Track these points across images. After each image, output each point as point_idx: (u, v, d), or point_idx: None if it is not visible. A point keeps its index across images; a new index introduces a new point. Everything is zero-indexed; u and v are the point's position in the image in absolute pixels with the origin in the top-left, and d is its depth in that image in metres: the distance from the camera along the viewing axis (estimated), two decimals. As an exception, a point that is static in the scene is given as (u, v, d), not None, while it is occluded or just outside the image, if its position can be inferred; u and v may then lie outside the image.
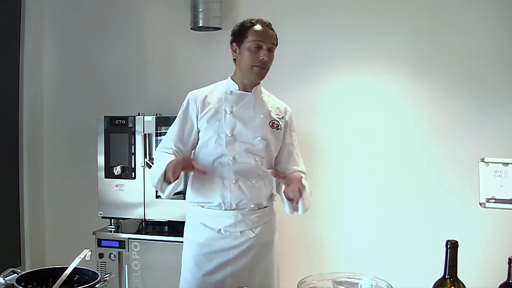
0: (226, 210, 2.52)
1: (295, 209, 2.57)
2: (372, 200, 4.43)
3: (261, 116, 2.58)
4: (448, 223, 4.25)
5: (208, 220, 2.58)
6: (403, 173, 4.37)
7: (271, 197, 2.67)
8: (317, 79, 4.50)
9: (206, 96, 2.61)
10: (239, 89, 2.62)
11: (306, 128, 4.45)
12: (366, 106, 4.41)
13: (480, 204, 4.09)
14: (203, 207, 2.59)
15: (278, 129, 2.62)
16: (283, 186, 2.56)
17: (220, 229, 2.54)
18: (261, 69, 2.53)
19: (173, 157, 2.48)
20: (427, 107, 4.31)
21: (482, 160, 4.05)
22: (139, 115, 4.18)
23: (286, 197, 2.57)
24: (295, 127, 2.76)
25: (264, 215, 2.61)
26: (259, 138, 2.54)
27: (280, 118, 2.64)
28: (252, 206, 2.55)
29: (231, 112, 2.55)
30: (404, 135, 4.36)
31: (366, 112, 4.41)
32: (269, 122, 2.60)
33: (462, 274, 1.54)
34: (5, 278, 1.98)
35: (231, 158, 2.51)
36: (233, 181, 2.51)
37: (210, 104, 2.58)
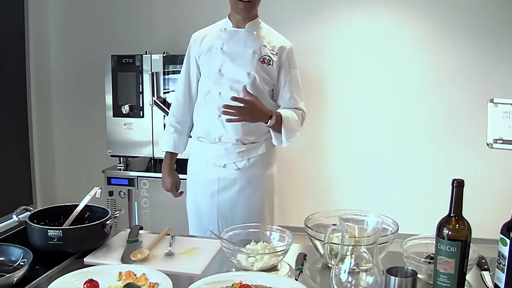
0: (212, 143, 2.61)
1: (279, 142, 2.60)
2: (380, 139, 4.44)
3: (251, 52, 2.57)
4: (455, 163, 4.27)
5: (198, 151, 2.71)
6: (411, 114, 4.37)
7: (263, 134, 2.65)
8: (327, 19, 4.45)
9: (205, 36, 2.67)
10: (233, 26, 2.64)
11: (315, 67, 4.44)
12: (375, 48, 4.37)
13: (487, 144, 4.08)
14: (197, 138, 2.71)
15: (270, 64, 2.59)
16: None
17: (207, 160, 2.65)
18: (245, 3, 2.51)
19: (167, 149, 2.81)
20: (436, 49, 4.27)
21: (491, 100, 4.02)
22: (146, 54, 4.15)
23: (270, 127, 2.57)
24: (297, 64, 2.72)
25: (250, 150, 2.62)
26: (245, 74, 2.54)
27: (274, 54, 2.61)
28: (234, 141, 2.58)
29: (221, 49, 2.59)
30: (413, 76, 4.34)
31: (374, 54, 4.38)
32: (260, 58, 2.58)
33: (467, 213, 1.56)
34: (18, 216, 2.02)
35: (218, 93, 2.56)
36: (218, 116, 2.54)
37: (207, 42, 2.64)
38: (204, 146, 2.66)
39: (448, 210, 1.56)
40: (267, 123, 2.47)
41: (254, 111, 2.41)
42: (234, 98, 2.36)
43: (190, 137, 2.81)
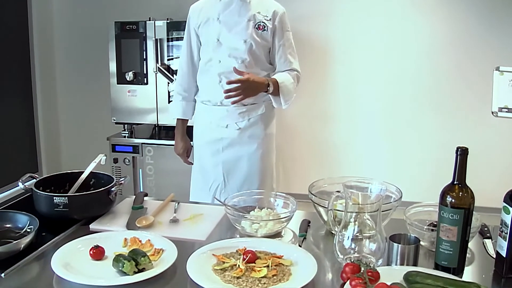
0: (214, 105, 2.77)
1: (278, 104, 2.76)
2: (385, 107, 4.43)
3: (246, 20, 2.68)
4: (459, 131, 4.27)
5: (202, 113, 2.86)
6: (417, 82, 4.35)
7: (260, 95, 2.75)
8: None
9: (202, 8, 2.79)
10: None
11: (321, 35, 4.41)
12: (382, 14, 4.33)
13: (492, 113, 4.08)
14: (201, 102, 2.86)
15: (264, 30, 2.71)
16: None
17: (210, 121, 2.81)
18: None
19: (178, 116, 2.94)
20: (442, 17, 4.23)
21: (497, 69, 4.00)
22: (150, 20, 4.13)
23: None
24: (289, 26, 2.82)
25: (250, 111, 2.77)
26: (242, 42, 2.68)
27: (267, 20, 2.71)
28: (236, 103, 2.67)
29: (218, 19, 2.70)
30: (419, 44, 4.31)
31: (381, 20, 4.34)
32: (255, 25, 2.70)
33: (470, 181, 1.56)
34: (24, 183, 2.03)
35: (218, 61, 2.71)
36: (218, 82, 2.70)
37: (204, 13, 2.76)
38: (208, 109, 2.81)
39: (451, 178, 1.56)
40: (266, 91, 2.65)
41: (252, 86, 2.58)
42: (229, 82, 2.54)
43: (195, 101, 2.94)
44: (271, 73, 2.77)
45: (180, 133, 2.97)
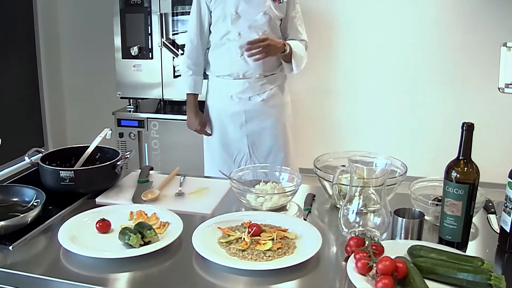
0: (235, 79, 2.79)
1: (290, 70, 2.84)
2: (390, 82, 4.41)
3: None
4: (465, 107, 4.25)
5: (221, 87, 2.87)
6: (423, 57, 4.31)
7: (278, 65, 2.86)
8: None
9: None
10: None
11: (326, 8, 4.37)
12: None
13: (498, 89, 4.06)
14: (217, 76, 2.86)
15: (280, 2, 2.76)
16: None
17: (231, 95, 2.83)
18: None
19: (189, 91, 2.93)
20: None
21: (504, 44, 3.97)
22: (154, -6, 4.10)
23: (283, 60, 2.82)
24: None
25: (270, 81, 2.84)
26: (261, 14, 2.71)
27: None
28: (257, 75, 2.79)
29: None
30: (425, 19, 4.26)
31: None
32: None
33: (475, 156, 1.56)
34: (30, 158, 2.04)
35: (237, 34, 2.72)
36: (239, 55, 2.73)
37: None
38: (227, 83, 2.84)
39: (457, 153, 1.56)
40: (283, 52, 2.72)
41: (273, 45, 2.64)
42: (250, 42, 2.59)
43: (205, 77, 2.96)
44: None
45: (194, 108, 2.96)
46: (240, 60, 2.74)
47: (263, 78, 2.80)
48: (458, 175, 1.54)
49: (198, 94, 2.96)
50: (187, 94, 2.95)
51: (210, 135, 2.98)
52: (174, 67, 4.07)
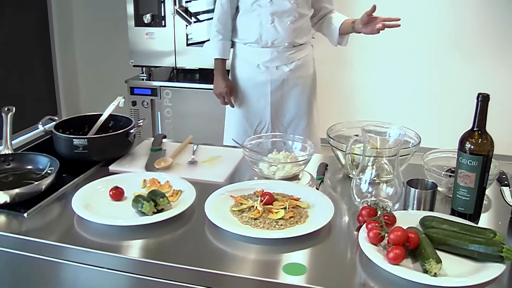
0: (263, 47, 2.75)
1: (340, 42, 2.83)
2: (406, 50, 4.36)
3: None
4: (481, 77, 4.20)
5: (248, 56, 2.83)
6: (438, 25, 4.26)
7: (308, 35, 2.84)
8: None
9: None
10: None
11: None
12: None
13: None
14: (244, 44, 2.81)
15: None
16: (340, 22, 2.77)
17: (258, 64, 2.78)
18: None
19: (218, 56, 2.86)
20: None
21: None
22: (167, -40, 4.06)
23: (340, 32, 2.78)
24: None
25: (299, 52, 2.80)
26: None
27: None
28: (286, 44, 2.73)
29: None
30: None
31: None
32: None
33: (490, 128, 1.54)
34: (44, 126, 2.05)
35: (268, 0, 2.66)
36: (269, 22, 2.68)
37: None
38: (254, 51, 2.78)
39: (471, 124, 1.55)
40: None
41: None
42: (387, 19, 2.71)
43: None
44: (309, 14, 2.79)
45: (222, 73, 2.90)
46: (270, 28, 2.69)
47: (292, 48, 2.76)
48: (472, 147, 1.53)
49: (226, 60, 2.92)
50: (215, 59, 2.90)
51: (233, 106, 2.94)
52: (187, 35, 4.04)
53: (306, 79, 2.88)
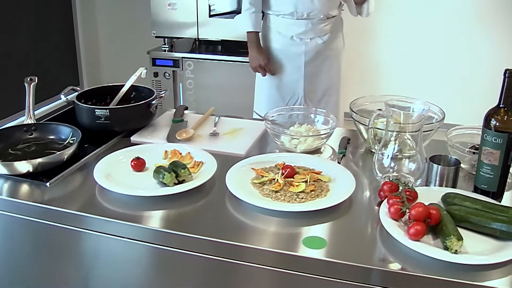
0: (298, 19, 2.75)
1: (360, 12, 2.82)
2: (433, 27, 4.29)
3: None
4: (507, 52, 4.12)
5: (282, 28, 2.83)
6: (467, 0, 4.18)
7: (339, 7, 2.86)
8: None
9: None
10: None
11: None
12: None
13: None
14: (277, 16, 2.81)
15: None
16: None
17: (292, 36, 2.80)
18: None
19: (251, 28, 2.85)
20: None
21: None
22: None
23: (354, 1, 2.78)
24: None
25: (332, 24, 2.82)
26: None
27: None
28: (321, 16, 2.75)
29: None
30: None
31: None
32: None
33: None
34: (66, 96, 2.06)
35: None
36: None
37: None
38: (289, 23, 2.79)
39: (497, 101, 1.52)
40: None
41: None
42: None
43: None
44: None
45: (256, 45, 2.89)
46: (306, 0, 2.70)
47: (326, 19, 2.77)
48: (497, 123, 1.50)
49: (259, 32, 2.91)
50: (248, 32, 2.88)
51: (274, 73, 2.91)
52: (209, 6, 4.01)
53: (337, 51, 2.91)
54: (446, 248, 1.28)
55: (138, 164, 1.71)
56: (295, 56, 2.82)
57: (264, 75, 2.91)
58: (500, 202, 1.54)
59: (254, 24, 2.84)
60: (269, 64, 2.88)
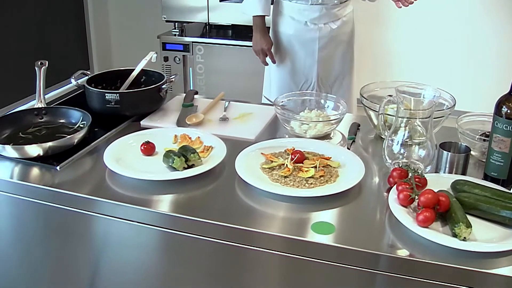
0: (312, 4, 2.73)
1: None
2: (445, 14, 4.26)
3: None
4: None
5: (295, 13, 2.79)
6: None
7: None
8: None
9: None
10: None
11: None
12: None
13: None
14: (290, 1, 2.77)
15: None
16: None
17: (306, 21, 2.77)
18: None
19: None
20: None
21: None
22: None
23: None
24: None
25: (344, 9, 2.81)
26: None
27: None
28: (335, 1, 2.73)
29: None
30: None
31: None
32: None
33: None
34: (77, 80, 2.06)
35: None
36: None
37: None
38: (303, 8, 2.76)
39: (509, 88, 1.51)
40: None
41: None
42: None
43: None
44: None
45: (262, 30, 2.85)
46: None
47: (339, 4, 2.75)
48: (508, 111, 1.49)
49: (266, 16, 2.88)
50: (254, 16, 2.85)
51: (275, 62, 2.91)
52: (220, -10, 4.00)
53: (349, 36, 2.90)
54: (454, 235, 1.28)
55: (148, 148, 1.71)
56: (309, 42, 2.80)
57: (263, 61, 2.90)
58: (510, 190, 1.53)
59: (263, 7, 2.81)
60: (270, 52, 2.86)
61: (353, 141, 1.89)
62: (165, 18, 4.21)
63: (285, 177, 1.57)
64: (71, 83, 2.07)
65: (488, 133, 1.65)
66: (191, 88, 4.17)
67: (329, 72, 2.87)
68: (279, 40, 2.88)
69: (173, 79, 2.12)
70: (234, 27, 4.13)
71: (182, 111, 2.10)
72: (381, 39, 4.46)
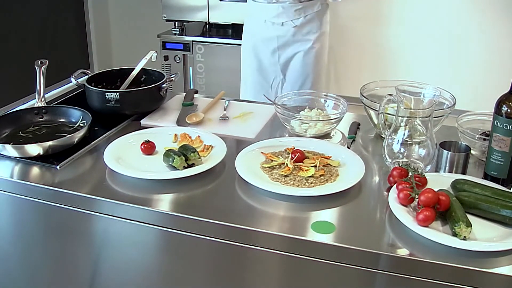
0: (270, 3, 2.73)
1: None
2: (443, 9, 4.26)
3: None
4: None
5: (255, 12, 2.83)
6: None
7: None
8: None
9: None
10: None
11: None
12: None
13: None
14: (254, 0, 2.80)
15: None
16: None
17: (265, 20, 2.78)
18: None
19: None
20: None
21: None
22: None
23: None
24: None
25: (306, 8, 2.75)
26: None
27: None
28: (292, 0, 2.70)
29: None
30: None
31: None
32: None
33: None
34: (77, 79, 2.06)
35: None
36: None
37: None
38: (262, 7, 2.77)
39: (509, 88, 1.51)
40: None
41: None
42: None
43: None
44: None
45: None
46: None
47: (298, 3, 2.71)
48: (509, 110, 1.49)
49: None
50: None
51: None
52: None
53: (314, 36, 2.82)
54: (454, 234, 1.28)
55: (148, 148, 1.71)
56: (268, 40, 2.82)
57: None
58: (510, 189, 1.53)
59: None
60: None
61: (353, 140, 1.90)
62: (165, 17, 4.21)
63: (285, 176, 1.57)
64: (71, 82, 2.07)
65: (488, 132, 1.65)
66: (191, 87, 4.17)
67: (292, 71, 2.87)
68: (246, 38, 2.93)
69: (173, 78, 2.12)
70: (234, 26, 4.13)
71: (182, 110, 2.10)
72: (381, 38, 4.46)
